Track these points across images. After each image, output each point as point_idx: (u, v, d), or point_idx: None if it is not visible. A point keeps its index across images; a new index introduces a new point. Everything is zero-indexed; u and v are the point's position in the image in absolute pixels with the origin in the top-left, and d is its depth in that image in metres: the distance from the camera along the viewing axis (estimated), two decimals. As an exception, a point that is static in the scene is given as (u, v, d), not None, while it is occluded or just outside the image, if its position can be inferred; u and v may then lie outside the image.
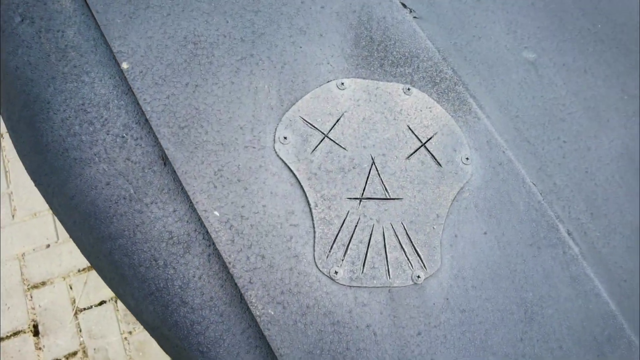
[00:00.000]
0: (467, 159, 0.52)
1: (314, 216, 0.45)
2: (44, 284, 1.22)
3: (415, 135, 0.51)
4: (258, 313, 0.42)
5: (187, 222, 0.44)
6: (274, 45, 0.50)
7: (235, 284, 0.43)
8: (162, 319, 0.44)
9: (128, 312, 1.20)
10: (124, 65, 0.46)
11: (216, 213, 0.43)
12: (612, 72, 0.66)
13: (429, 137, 0.51)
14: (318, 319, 0.43)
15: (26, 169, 0.53)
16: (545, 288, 0.50)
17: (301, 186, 0.45)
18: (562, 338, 0.48)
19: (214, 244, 0.44)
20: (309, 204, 0.45)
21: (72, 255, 1.29)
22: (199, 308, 0.43)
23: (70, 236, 0.52)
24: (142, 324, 0.48)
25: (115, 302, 1.21)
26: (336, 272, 0.44)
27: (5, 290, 1.20)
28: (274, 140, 0.46)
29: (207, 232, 0.43)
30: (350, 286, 0.44)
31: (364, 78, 0.52)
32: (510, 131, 0.56)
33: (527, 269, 0.50)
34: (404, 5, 0.59)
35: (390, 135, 0.50)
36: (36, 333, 1.17)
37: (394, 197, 0.48)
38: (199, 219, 0.44)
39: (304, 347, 0.42)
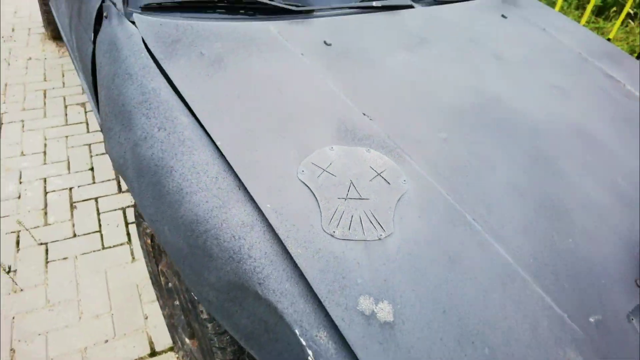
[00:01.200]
0: (404, 181, 0.93)
1: (320, 206, 0.84)
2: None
3: (375, 170, 0.93)
4: (293, 252, 0.79)
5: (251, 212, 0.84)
6: None
7: (281, 242, 0.81)
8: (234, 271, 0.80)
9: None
10: None
11: (268, 205, 0.84)
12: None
13: (382, 171, 0.93)
14: (325, 256, 0.79)
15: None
16: (461, 261, 0.85)
17: (313, 194, 0.86)
18: (486, 288, 0.82)
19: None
20: (317, 202, 0.85)
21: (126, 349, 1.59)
22: (259, 258, 0.80)
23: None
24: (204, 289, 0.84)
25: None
26: (334, 232, 0.82)
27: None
28: (297, 172, 0.89)
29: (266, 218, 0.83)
30: (342, 239, 0.82)
31: (344, 145, 0.97)
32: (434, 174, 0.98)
33: (445, 245, 0.86)
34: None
35: (360, 170, 0.92)
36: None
37: (364, 198, 0.88)
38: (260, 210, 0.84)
39: (319, 266, 0.77)
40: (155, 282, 1.60)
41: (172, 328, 1.57)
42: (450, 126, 1.10)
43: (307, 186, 0.87)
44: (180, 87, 1.03)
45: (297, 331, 0.73)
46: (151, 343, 1.65)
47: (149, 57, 1.12)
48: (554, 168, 1.07)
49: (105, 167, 2.34)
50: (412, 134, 1.05)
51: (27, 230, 1.95)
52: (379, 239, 0.82)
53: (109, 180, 2.25)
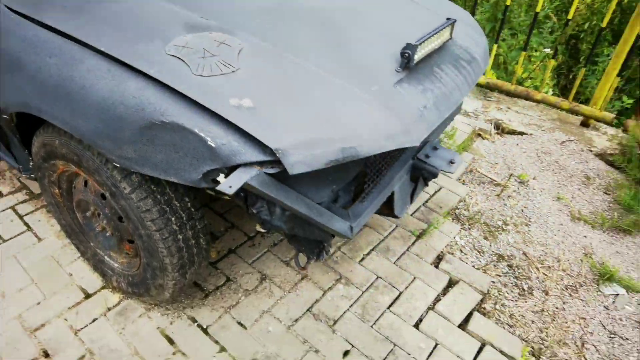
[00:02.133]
0: (240, 43, 1.36)
1: (188, 64, 1.23)
2: None
3: (217, 41, 1.34)
4: (179, 87, 1.16)
5: None
6: None
7: (169, 89, 1.17)
8: None
9: None
10: None
11: (152, 71, 1.19)
12: None
13: (223, 40, 1.35)
14: (200, 85, 1.18)
15: None
16: None
17: (181, 59, 1.25)
18: None
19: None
20: (185, 62, 1.24)
21: None
22: (156, 101, 1.15)
23: None
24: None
25: None
26: (202, 74, 1.21)
27: None
28: (165, 51, 1.27)
29: None
30: (208, 76, 1.21)
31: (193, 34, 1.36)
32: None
33: (272, 65, 1.31)
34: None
35: (208, 42, 1.32)
36: None
37: (215, 55, 1.28)
38: None
39: (199, 91, 1.16)
40: (72, 231, 1.80)
41: (98, 264, 1.79)
42: (267, 16, 1.56)
43: (175, 56, 1.25)
44: (52, 23, 1.32)
45: (196, 130, 1.11)
46: (82, 290, 1.84)
47: (15, 13, 1.38)
48: (339, 25, 1.60)
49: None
50: (239, 22, 1.48)
51: None
52: (232, 71, 1.24)
53: (-14, 191, 2.30)
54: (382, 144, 1.23)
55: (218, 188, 1.08)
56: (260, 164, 1.12)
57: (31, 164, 1.68)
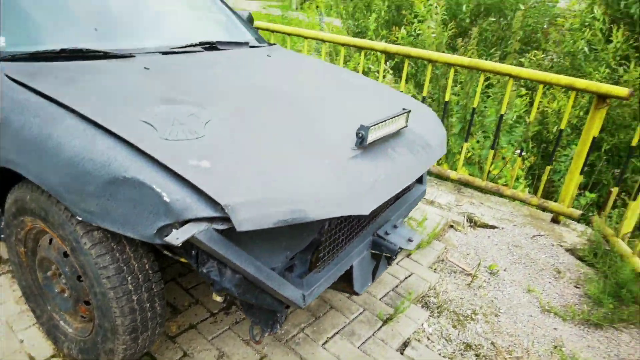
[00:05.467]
0: (208, 116, 1.50)
1: (156, 129, 1.36)
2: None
3: (189, 112, 1.48)
4: (143, 147, 1.27)
5: None
6: None
7: (135, 148, 1.28)
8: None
9: None
10: None
11: (124, 134, 1.31)
12: None
13: (193, 112, 1.49)
14: (165, 147, 1.29)
15: None
16: None
17: (151, 125, 1.38)
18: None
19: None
20: (154, 128, 1.37)
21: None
22: (122, 158, 1.25)
23: None
24: None
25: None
26: (167, 138, 1.33)
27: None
28: (139, 119, 1.40)
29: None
30: (173, 140, 1.33)
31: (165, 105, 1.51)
32: None
33: (232, 133, 1.44)
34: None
35: (179, 112, 1.47)
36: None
37: (184, 124, 1.41)
38: None
39: (162, 152, 1.27)
40: (31, 293, 1.80)
41: (52, 330, 1.76)
42: (239, 95, 1.74)
43: (146, 122, 1.38)
44: (42, 89, 1.47)
45: (154, 186, 1.20)
46: (30, 357, 1.78)
47: (12, 81, 1.54)
48: (305, 107, 1.76)
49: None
50: (213, 100, 1.65)
51: None
52: (197, 138, 1.36)
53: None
54: (331, 210, 1.31)
55: (166, 239, 1.14)
56: (211, 219, 1.19)
57: (2, 223, 1.73)
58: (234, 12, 2.85)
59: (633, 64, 3.92)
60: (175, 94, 1.61)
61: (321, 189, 1.35)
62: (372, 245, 1.79)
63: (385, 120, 1.63)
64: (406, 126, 1.82)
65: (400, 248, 1.76)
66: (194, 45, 2.16)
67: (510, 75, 3.02)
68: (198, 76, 1.84)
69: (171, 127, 1.38)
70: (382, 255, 1.82)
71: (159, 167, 1.24)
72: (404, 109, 1.79)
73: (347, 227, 1.65)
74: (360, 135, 1.55)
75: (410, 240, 1.80)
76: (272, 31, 4.01)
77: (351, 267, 1.68)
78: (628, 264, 2.59)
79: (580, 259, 2.94)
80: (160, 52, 2.00)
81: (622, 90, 2.65)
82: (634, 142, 2.80)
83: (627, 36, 4.07)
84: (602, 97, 2.76)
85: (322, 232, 1.46)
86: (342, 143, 1.59)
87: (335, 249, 1.63)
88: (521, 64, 4.56)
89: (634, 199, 2.74)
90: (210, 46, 2.26)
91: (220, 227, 1.19)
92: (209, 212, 1.17)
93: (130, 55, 1.88)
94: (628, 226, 2.79)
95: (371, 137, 1.58)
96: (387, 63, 4.94)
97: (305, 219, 1.25)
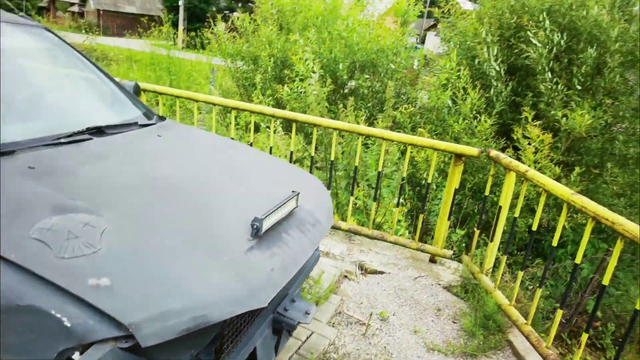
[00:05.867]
0: (104, 224, 1.52)
1: (50, 247, 1.35)
2: None
3: (83, 222, 1.50)
4: (38, 271, 1.26)
5: None
6: None
7: (29, 271, 1.27)
8: None
9: None
10: None
11: (13, 255, 1.29)
12: None
13: (89, 220, 1.51)
14: (61, 268, 1.29)
15: None
16: None
17: (44, 242, 1.37)
18: None
19: None
20: (47, 245, 1.36)
21: None
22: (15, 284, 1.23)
23: None
24: None
25: None
26: (64, 256, 1.34)
27: None
28: (29, 235, 1.38)
29: None
30: (69, 258, 1.34)
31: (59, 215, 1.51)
32: None
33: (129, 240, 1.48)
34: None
35: (73, 223, 1.47)
36: None
37: (78, 236, 1.43)
38: None
39: (57, 273, 1.27)
40: None
41: None
42: (131, 193, 1.77)
43: (39, 239, 1.37)
44: None
45: (53, 312, 1.20)
46: None
47: None
48: (197, 199, 1.85)
49: None
50: (105, 201, 1.66)
51: None
52: (93, 252, 1.38)
53: None
54: (232, 310, 1.42)
55: (68, 366, 1.15)
56: (115, 339, 1.22)
57: None
58: (120, 85, 2.84)
59: (484, 117, 4.65)
60: (66, 198, 1.60)
61: (221, 290, 1.45)
62: (273, 322, 1.92)
63: (277, 208, 1.80)
64: (297, 207, 2.00)
65: (299, 322, 1.91)
66: (82, 133, 2.14)
67: (383, 138, 3.42)
68: (89, 172, 1.84)
69: (66, 242, 1.38)
70: (284, 330, 1.95)
71: (56, 290, 1.24)
72: (293, 191, 1.98)
73: (248, 314, 1.76)
74: (255, 226, 1.69)
75: (307, 313, 1.96)
76: (160, 93, 4.02)
77: (254, 349, 1.78)
78: (491, 298, 3.04)
79: (456, 295, 3.36)
80: (44, 145, 1.95)
81: (473, 151, 3.17)
82: (486, 192, 3.34)
83: (481, 94, 4.82)
84: (459, 155, 3.25)
85: (224, 326, 1.55)
86: (238, 233, 1.71)
87: (238, 336, 1.72)
88: (395, 117, 5.13)
89: (492, 240, 3.23)
90: (98, 130, 2.24)
91: (125, 345, 1.23)
92: (113, 332, 1.21)
93: (11, 152, 1.81)
94: (489, 263, 3.28)
95: (265, 225, 1.72)
96: (278, 121, 5.20)
97: (208, 323, 1.34)
